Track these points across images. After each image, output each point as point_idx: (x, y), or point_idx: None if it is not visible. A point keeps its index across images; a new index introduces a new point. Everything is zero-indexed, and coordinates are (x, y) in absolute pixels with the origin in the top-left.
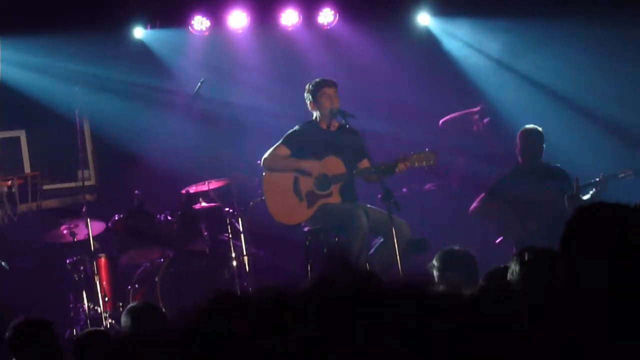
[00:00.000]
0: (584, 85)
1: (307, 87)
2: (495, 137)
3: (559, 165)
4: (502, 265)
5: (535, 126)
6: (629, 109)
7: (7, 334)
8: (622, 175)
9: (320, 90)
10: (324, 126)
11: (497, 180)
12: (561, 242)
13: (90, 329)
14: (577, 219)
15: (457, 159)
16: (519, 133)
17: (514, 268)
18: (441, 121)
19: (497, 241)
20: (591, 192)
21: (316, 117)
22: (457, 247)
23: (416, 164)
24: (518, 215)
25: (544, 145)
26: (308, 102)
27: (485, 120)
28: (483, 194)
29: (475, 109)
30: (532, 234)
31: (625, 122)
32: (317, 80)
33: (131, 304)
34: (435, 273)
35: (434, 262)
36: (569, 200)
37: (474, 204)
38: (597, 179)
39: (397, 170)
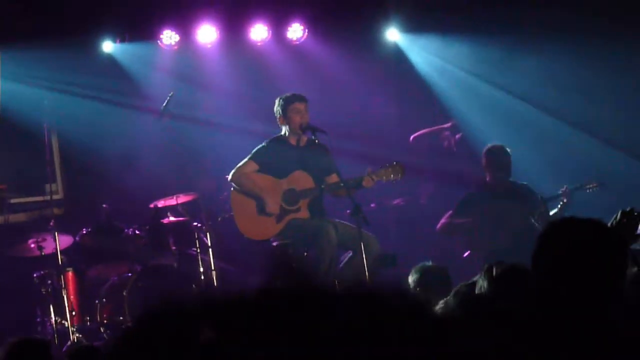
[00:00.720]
0: (552, 100)
1: (277, 101)
2: (467, 154)
3: (526, 183)
4: (469, 281)
5: (501, 144)
6: (599, 121)
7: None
8: (589, 186)
9: (291, 105)
10: (292, 141)
11: (464, 196)
12: (533, 256)
13: (82, 344)
14: (548, 233)
15: (427, 174)
16: (484, 150)
17: (482, 284)
18: (412, 137)
19: (465, 255)
20: (559, 206)
21: (285, 132)
22: (429, 263)
23: (384, 177)
24: (486, 231)
25: (510, 162)
26: (278, 117)
27: (457, 136)
28: (450, 211)
29: (446, 125)
30: (499, 249)
31: (595, 134)
32: (288, 94)
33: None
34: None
35: (409, 279)
36: (538, 217)
37: (442, 220)
38: (561, 191)
39: (364, 184)
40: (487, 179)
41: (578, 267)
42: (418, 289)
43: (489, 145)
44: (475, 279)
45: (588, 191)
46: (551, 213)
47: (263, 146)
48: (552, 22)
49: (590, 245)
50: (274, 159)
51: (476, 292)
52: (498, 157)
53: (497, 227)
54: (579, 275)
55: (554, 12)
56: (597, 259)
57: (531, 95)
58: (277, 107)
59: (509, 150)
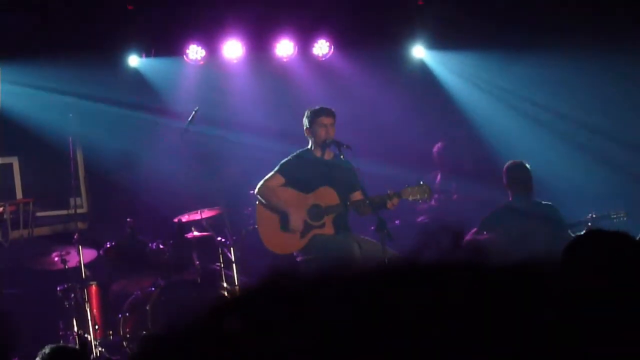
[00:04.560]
0: (578, 116)
1: (306, 113)
2: (448, 161)
3: (550, 203)
4: None
5: (521, 160)
6: (628, 144)
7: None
8: (615, 216)
9: (317, 118)
10: (318, 154)
11: (489, 214)
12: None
13: (54, 345)
14: (575, 246)
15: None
16: (504, 168)
17: None
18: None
19: None
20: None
21: (311, 145)
22: None
23: (410, 197)
24: (505, 250)
25: (531, 180)
26: (305, 128)
27: (436, 147)
28: (475, 228)
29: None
30: None
31: (622, 157)
32: (316, 108)
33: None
34: None
35: None
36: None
37: (466, 237)
38: (586, 218)
39: (390, 203)
40: (510, 197)
41: (606, 279)
42: None
43: (509, 162)
44: None
45: (615, 220)
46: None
47: (289, 159)
48: (583, 39)
49: (619, 256)
50: (300, 172)
51: None
52: (518, 175)
53: (517, 248)
54: (608, 287)
55: (585, 29)
56: (627, 269)
57: (558, 111)
58: (305, 119)
59: (528, 166)
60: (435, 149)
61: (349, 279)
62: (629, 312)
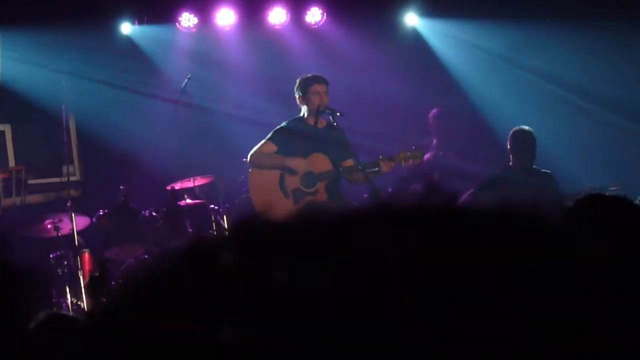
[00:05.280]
0: (575, 84)
1: (297, 81)
2: (444, 127)
3: (550, 171)
4: None
5: (528, 128)
6: (626, 110)
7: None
8: (613, 188)
9: (310, 86)
10: (311, 122)
11: (486, 176)
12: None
13: (50, 311)
14: (574, 211)
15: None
16: (510, 133)
17: None
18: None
19: None
20: None
21: (304, 113)
22: None
23: (402, 162)
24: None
25: (534, 147)
26: (297, 97)
27: (432, 113)
28: (471, 190)
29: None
30: None
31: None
32: (309, 75)
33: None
34: None
35: None
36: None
37: (462, 198)
38: (586, 188)
39: (384, 168)
40: (510, 162)
41: (608, 240)
42: None
43: (516, 128)
44: None
45: (612, 191)
46: None
47: (282, 127)
48: (578, 4)
49: (619, 217)
50: (293, 140)
51: None
52: (523, 141)
53: None
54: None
55: None
56: (628, 231)
57: (552, 77)
58: (297, 87)
59: (534, 134)
60: (431, 114)
61: (328, 219)
62: (630, 273)
